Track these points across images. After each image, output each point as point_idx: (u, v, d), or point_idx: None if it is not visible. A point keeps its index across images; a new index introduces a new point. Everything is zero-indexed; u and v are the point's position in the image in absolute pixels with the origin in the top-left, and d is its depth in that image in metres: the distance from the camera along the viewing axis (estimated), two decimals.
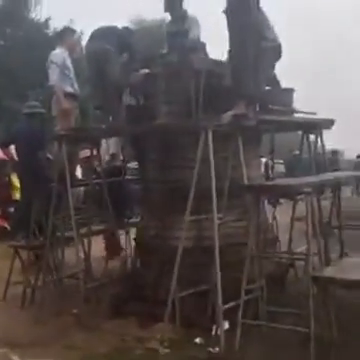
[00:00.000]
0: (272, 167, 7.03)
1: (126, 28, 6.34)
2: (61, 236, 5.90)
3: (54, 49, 6.58)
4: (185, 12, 6.10)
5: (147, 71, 5.57)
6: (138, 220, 6.43)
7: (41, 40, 19.97)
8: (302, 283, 4.70)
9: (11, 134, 7.02)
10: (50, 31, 22.35)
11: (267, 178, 7.10)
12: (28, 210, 6.09)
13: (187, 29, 5.91)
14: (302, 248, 4.85)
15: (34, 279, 6.00)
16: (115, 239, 6.79)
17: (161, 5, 6.08)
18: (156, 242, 5.37)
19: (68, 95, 6.33)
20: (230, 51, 5.01)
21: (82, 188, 7.19)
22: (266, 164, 9.35)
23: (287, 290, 5.43)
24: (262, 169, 9.69)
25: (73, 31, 7.02)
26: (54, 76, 6.23)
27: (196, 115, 4.86)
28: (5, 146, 6.75)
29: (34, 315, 5.37)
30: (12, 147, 7.16)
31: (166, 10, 6.11)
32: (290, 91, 5.52)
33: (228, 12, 4.91)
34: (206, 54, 5.65)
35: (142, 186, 6.25)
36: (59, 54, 6.40)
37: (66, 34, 6.81)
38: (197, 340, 4.47)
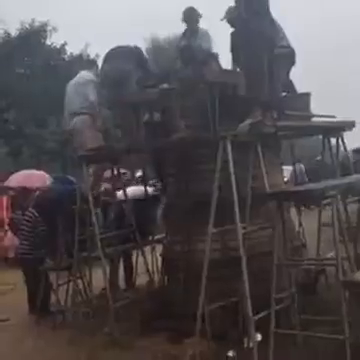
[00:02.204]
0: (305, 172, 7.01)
1: (136, 47, 6.38)
2: (88, 256, 5.92)
3: (73, 73, 6.71)
4: (196, 27, 6.17)
5: (164, 86, 5.60)
6: (163, 236, 6.42)
7: (58, 65, 20.42)
8: (334, 289, 4.61)
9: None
10: (66, 56, 22.83)
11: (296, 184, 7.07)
12: (53, 232, 6.15)
13: (199, 43, 5.96)
14: (331, 254, 4.75)
15: (64, 300, 6.03)
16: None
17: (173, 25, 6.19)
18: (182, 257, 5.35)
19: None
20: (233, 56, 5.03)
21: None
22: (294, 171, 9.32)
23: (319, 297, 5.33)
24: (286, 176, 9.61)
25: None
26: (94, 94, 6.20)
27: (213, 126, 4.85)
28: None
29: (67, 336, 5.41)
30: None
31: (184, 20, 6.17)
32: (306, 96, 5.49)
33: (239, 22, 4.95)
34: (219, 65, 5.66)
35: (165, 202, 6.25)
36: (92, 75, 6.45)
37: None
38: (230, 353, 4.39)
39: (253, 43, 4.80)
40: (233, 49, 5.93)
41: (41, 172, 12.12)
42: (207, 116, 4.95)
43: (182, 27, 6.50)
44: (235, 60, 5.83)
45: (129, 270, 7.15)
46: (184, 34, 6.29)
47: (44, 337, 5.69)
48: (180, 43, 6.37)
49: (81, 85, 6.27)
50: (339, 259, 4.05)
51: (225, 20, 5.94)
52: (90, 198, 5.54)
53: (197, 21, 6.19)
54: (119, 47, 6.11)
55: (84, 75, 6.47)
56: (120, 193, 6.64)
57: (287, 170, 10.06)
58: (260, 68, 4.75)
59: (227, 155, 4.47)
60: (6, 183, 11.83)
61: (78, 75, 6.60)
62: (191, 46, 5.98)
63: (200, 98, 5.08)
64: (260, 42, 4.76)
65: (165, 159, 5.99)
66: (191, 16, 6.17)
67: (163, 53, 22.92)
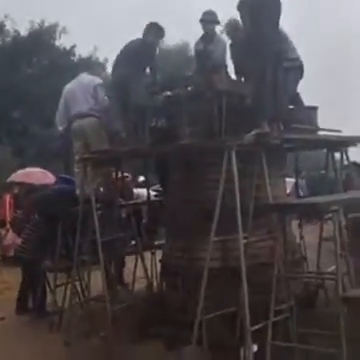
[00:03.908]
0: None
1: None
2: (87, 258, 5.92)
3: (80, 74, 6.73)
4: (213, 32, 6.20)
5: (169, 93, 5.62)
6: (164, 242, 6.41)
7: (66, 67, 20.49)
8: (332, 304, 4.60)
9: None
10: (75, 58, 22.93)
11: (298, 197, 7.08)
12: (52, 233, 6.15)
13: (214, 48, 5.99)
14: (331, 268, 4.75)
15: (61, 302, 6.02)
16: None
17: (182, 31, 6.25)
18: (182, 263, 5.35)
19: None
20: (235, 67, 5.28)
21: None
22: (296, 184, 9.31)
23: (317, 311, 5.31)
24: (288, 189, 9.60)
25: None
26: (104, 98, 6.21)
27: (219, 135, 4.87)
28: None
29: (62, 338, 5.40)
30: None
31: (202, 21, 6.20)
32: (314, 109, 5.51)
33: (249, 34, 4.99)
34: (228, 75, 5.69)
35: (166, 208, 6.25)
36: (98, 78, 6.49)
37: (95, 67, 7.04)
38: None
39: (257, 57, 4.80)
40: (234, 61, 5.98)
41: (42, 169, 12.17)
42: (213, 124, 4.97)
43: (192, 33, 6.56)
44: (237, 71, 5.87)
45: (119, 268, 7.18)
46: (202, 38, 6.31)
47: (40, 338, 5.67)
48: (197, 46, 6.39)
49: (90, 87, 6.24)
50: (339, 274, 4.04)
51: (225, 32, 6.01)
52: (92, 200, 5.54)
53: (214, 26, 6.21)
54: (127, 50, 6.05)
55: (90, 77, 6.49)
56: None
57: (289, 183, 10.03)
58: (265, 82, 4.75)
59: (231, 164, 4.48)
60: (10, 178, 11.84)
61: (82, 76, 6.57)
62: (207, 51, 6.01)
63: (206, 106, 5.10)
64: (265, 56, 4.76)
65: (169, 165, 5.99)
66: (210, 18, 6.18)
67: (171, 59, 22.99)
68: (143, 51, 5.90)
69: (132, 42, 6.01)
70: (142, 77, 6.00)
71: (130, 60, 5.86)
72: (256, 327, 4.26)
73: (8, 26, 21.72)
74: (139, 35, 6.04)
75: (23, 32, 22.07)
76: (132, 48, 5.95)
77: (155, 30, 6.01)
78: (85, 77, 6.53)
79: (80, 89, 6.30)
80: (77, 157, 6.14)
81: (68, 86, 6.54)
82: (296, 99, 5.63)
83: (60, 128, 6.47)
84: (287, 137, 4.87)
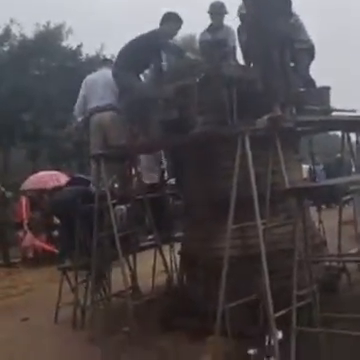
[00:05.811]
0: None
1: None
2: (107, 254, 5.90)
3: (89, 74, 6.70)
4: (221, 22, 6.18)
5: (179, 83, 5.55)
6: (182, 234, 6.38)
7: (74, 67, 20.54)
8: (355, 287, 4.53)
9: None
10: (82, 57, 22.96)
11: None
12: (70, 231, 6.15)
13: (223, 38, 5.95)
14: (353, 250, 4.68)
15: (83, 299, 6.02)
16: None
17: (189, 22, 6.15)
18: (201, 254, 5.30)
19: None
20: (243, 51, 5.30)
21: (123, 206, 7.21)
22: (310, 169, 9.22)
23: (340, 295, 5.24)
24: (305, 175, 9.50)
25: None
26: None
27: (231, 122, 4.80)
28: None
29: (87, 335, 5.41)
30: None
31: (211, 12, 6.19)
32: (326, 90, 5.41)
33: (253, 18, 4.91)
34: (237, 61, 5.64)
35: (183, 199, 6.22)
36: None
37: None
38: (251, 351, 4.34)
39: (263, 40, 4.72)
40: (241, 44, 5.91)
41: (53, 172, 12.40)
42: (224, 112, 4.91)
43: (200, 25, 6.51)
44: (245, 56, 5.80)
45: None
46: (208, 28, 6.27)
47: (64, 336, 5.70)
48: (203, 37, 6.34)
49: (114, 83, 6.01)
50: None
51: (238, 17, 5.95)
52: (108, 195, 5.52)
53: (223, 16, 6.16)
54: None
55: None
56: None
57: (304, 169, 9.97)
58: (272, 65, 4.67)
59: (245, 150, 4.41)
60: (22, 187, 12.08)
61: (105, 71, 6.41)
62: (213, 41, 5.96)
63: (216, 93, 5.04)
64: (271, 39, 4.68)
65: (182, 155, 5.94)
66: (219, 10, 6.14)
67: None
68: (142, 46, 5.72)
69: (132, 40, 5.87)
70: (142, 71, 5.90)
71: (128, 57, 5.72)
72: (279, 314, 4.21)
73: (14, 30, 21.84)
74: (143, 31, 5.89)
75: (29, 35, 22.17)
76: (132, 45, 5.82)
77: (174, 19, 5.80)
78: (108, 72, 6.42)
79: (102, 82, 6.21)
80: (93, 152, 6.11)
81: (89, 77, 6.47)
82: (308, 81, 5.55)
83: (78, 119, 6.43)
84: (300, 119, 4.78)
